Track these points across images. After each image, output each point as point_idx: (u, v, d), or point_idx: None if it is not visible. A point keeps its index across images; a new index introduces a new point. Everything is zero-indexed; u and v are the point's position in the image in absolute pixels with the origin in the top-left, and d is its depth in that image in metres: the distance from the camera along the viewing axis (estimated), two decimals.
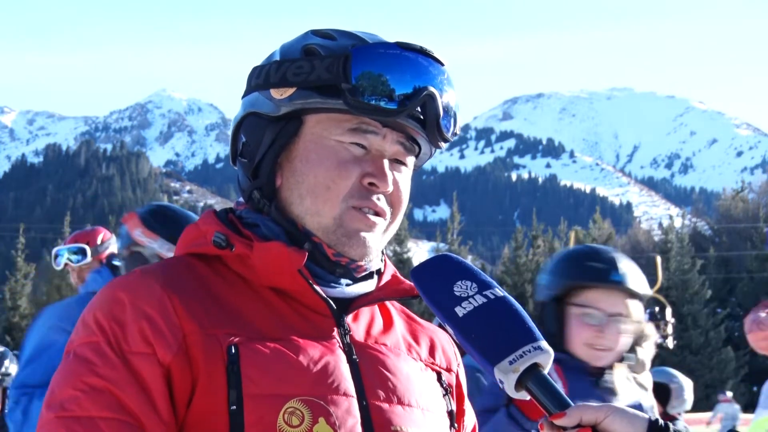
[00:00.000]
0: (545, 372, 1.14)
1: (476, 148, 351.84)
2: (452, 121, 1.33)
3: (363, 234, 1.29)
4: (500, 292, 1.19)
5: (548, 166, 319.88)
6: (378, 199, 1.30)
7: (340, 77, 1.26)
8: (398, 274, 1.39)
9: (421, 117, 1.29)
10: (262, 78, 1.32)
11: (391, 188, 1.30)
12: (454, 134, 1.35)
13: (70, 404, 1.16)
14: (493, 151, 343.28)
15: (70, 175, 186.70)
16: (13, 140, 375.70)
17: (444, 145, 1.36)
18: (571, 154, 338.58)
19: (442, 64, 1.31)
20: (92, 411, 1.14)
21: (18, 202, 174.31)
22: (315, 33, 1.34)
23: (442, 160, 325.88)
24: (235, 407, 1.16)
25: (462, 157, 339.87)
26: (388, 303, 1.42)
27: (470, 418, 1.45)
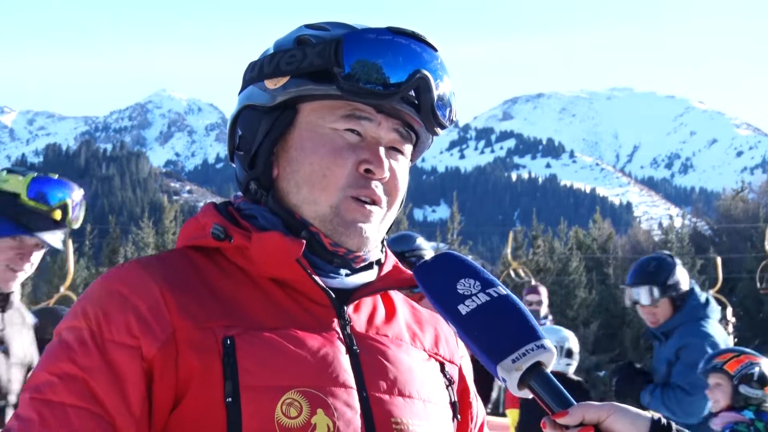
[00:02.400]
0: (548, 371, 1.13)
1: (476, 148, 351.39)
2: (447, 106, 1.31)
3: (360, 224, 1.28)
4: (503, 290, 1.19)
5: (548, 166, 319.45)
6: (376, 186, 1.29)
7: (332, 62, 1.25)
8: (399, 264, 1.38)
9: (416, 102, 1.28)
10: (256, 71, 1.33)
11: (387, 175, 1.29)
12: (451, 120, 1.33)
13: (44, 388, 1.16)
14: (493, 151, 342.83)
15: (70, 175, 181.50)
16: (13, 140, 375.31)
17: (440, 132, 1.34)
18: (571, 154, 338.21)
19: (435, 50, 1.30)
20: (64, 397, 1.14)
21: None
22: (308, 26, 1.34)
23: (442, 160, 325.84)
24: (231, 399, 1.15)
25: (462, 157, 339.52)
26: (391, 292, 1.41)
27: (480, 412, 1.45)
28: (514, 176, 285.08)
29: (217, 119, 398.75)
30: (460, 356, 1.43)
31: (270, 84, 1.30)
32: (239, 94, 1.38)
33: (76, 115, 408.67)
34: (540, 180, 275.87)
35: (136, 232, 36.34)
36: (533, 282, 13.30)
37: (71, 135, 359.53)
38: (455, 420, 1.35)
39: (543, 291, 9.95)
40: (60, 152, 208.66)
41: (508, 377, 1.12)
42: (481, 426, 1.45)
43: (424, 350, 1.36)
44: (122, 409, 1.14)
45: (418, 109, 1.29)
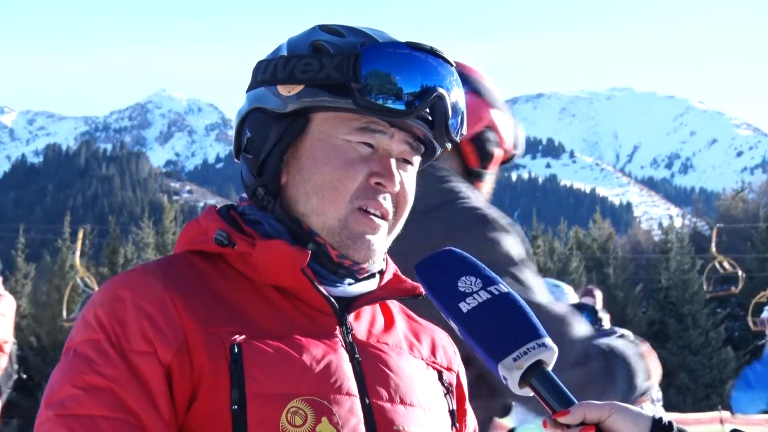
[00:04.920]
0: (549, 369, 1.13)
1: None
2: (460, 121, 1.32)
3: (368, 237, 1.29)
4: (504, 288, 1.19)
5: (548, 166, 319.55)
6: (384, 198, 1.29)
7: (349, 76, 1.24)
8: (399, 273, 1.38)
9: (429, 117, 1.29)
10: (269, 73, 1.30)
11: (398, 188, 1.30)
12: (461, 134, 1.34)
13: (70, 402, 1.14)
14: None
15: (70, 175, 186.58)
16: (13, 140, 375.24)
17: (450, 146, 1.35)
18: (571, 154, 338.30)
19: (451, 65, 1.31)
20: (92, 410, 1.13)
21: (18, 202, 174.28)
22: (322, 29, 1.32)
23: None
24: (237, 407, 1.15)
25: None
26: (389, 301, 1.41)
27: (471, 420, 1.45)
28: (514, 176, 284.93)
29: (217, 119, 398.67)
30: (457, 364, 1.44)
31: (283, 90, 1.28)
32: (247, 92, 1.35)
33: (76, 115, 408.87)
34: (540, 180, 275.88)
35: (136, 232, 36.37)
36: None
37: (71, 135, 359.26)
38: (453, 428, 1.36)
39: (598, 294, 9.39)
40: (60, 152, 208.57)
41: (509, 376, 1.11)
42: None
43: (422, 359, 1.37)
44: (153, 415, 1.15)
45: (431, 124, 1.29)
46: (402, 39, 1.30)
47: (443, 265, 1.23)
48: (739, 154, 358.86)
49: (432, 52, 1.28)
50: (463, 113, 1.33)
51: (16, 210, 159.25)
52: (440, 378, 1.38)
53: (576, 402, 1.10)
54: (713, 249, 18.87)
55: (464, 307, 1.16)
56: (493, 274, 1.22)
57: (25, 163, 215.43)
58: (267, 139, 1.30)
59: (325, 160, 1.28)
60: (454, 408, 1.37)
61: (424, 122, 1.28)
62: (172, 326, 1.19)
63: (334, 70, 1.25)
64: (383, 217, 1.30)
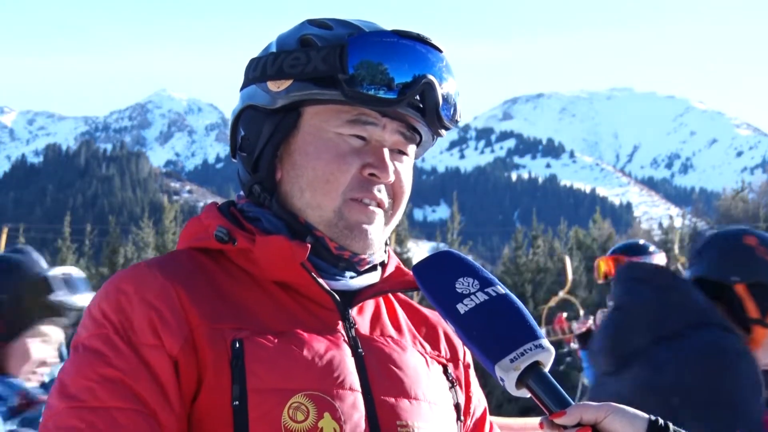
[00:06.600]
0: (546, 370, 1.13)
1: (476, 148, 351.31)
2: (452, 108, 1.30)
3: (364, 226, 1.28)
4: (502, 289, 1.18)
5: (548, 166, 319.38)
6: (378, 190, 1.28)
7: (336, 68, 1.23)
8: (402, 266, 1.37)
9: (420, 105, 1.27)
10: (258, 70, 1.30)
11: (392, 178, 1.28)
12: (455, 121, 1.32)
13: (83, 395, 1.14)
14: (493, 151, 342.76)
15: (70, 175, 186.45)
16: (13, 140, 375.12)
17: (444, 133, 1.34)
18: (571, 154, 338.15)
19: (441, 51, 1.29)
20: (107, 401, 1.13)
21: (18, 202, 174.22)
22: (311, 23, 1.32)
23: (442, 160, 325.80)
24: (238, 403, 1.14)
25: (462, 157, 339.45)
26: (391, 295, 1.41)
27: (480, 402, 1.44)
28: (514, 176, 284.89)
29: (217, 119, 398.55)
30: (462, 351, 1.43)
31: (273, 86, 1.28)
32: (241, 90, 1.36)
33: (76, 115, 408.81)
34: (540, 180, 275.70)
35: (136, 232, 36.35)
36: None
37: (71, 135, 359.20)
38: (459, 422, 1.35)
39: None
40: (60, 152, 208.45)
41: (506, 377, 1.11)
42: (483, 413, 1.44)
43: (427, 352, 1.36)
44: (165, 406, 1.15)
45: (422, 112, 1.28)
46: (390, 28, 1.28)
47: (441, 266, 1.22)
48: (739, 154, 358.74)
49: (420, 39, 1.26)
50: (455, 100, 1.30)
51: (16, 210, 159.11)
52: (445, 371, 1.37)
53: (573, 403, 1.10)
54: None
55: (461, 308, 1.15)
56: (491, 275, 1.20)
57: (25, 163, 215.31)
58: (260, 135, 1.30)
59: (317, 154, 1.27)
60: (459, 402, 1.36)
61: (415, 110, 1.27)
62: (177, 319, 1.19)
63: (321, 63, 1.24)
64: (379, 206, 1.29)
